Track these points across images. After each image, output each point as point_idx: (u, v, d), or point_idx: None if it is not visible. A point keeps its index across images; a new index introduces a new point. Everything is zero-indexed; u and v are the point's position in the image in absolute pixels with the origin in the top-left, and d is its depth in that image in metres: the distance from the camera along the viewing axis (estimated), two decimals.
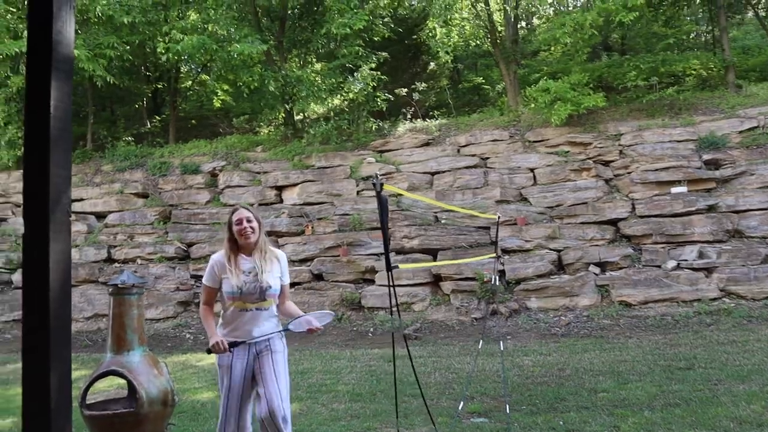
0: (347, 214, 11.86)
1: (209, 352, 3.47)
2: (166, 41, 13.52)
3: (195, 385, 7.21)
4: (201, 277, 11.93)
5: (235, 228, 3.64)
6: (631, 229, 10.47)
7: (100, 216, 13.37)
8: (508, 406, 5.10)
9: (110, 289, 4.51)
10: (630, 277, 9.81)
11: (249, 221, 3.64)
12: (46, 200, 1.71)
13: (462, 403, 5.47)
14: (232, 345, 3.50)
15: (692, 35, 17.69)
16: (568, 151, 11.83)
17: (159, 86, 18.35)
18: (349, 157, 12.85)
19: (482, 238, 11.00)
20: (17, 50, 12.76)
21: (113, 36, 13.93)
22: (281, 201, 12.85)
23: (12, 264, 12.68)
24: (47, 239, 1.72)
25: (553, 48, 16.57)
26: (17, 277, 12.57)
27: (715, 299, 9.39)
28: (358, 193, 12.39)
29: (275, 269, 3.69)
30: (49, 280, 1.80)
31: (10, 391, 7.29)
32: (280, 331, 3.70)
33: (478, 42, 16.29)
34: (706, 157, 10.91)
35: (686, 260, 9.87)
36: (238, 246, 3.68)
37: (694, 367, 6.45)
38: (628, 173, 11.16)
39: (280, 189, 12.92)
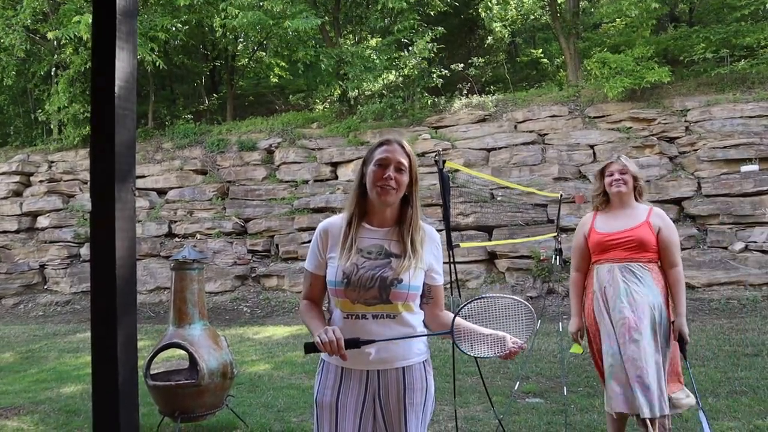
0: None
1: (310, 350, 2.06)
2: (222, 18, 13.68)
3: (252, 357, 7.40)
4: (257, 252, 12.31)
5: (371, 169, 2.18)
6: (696, 208, 10.07)
7: (161, 192, 13.77)
8: (565, 387, 5.02)
9: (172, 264, 4.64)
10: (694, 259, 9.46)
11: (399, 168, 2.17)
12: (112, 179, 1.75)
13: (518, 382, 5.41)
14: (353, 344, 2.03)
15: None
16: (630, 128, 11.43)
17: (217, 64, 18.67)
18: (405, 133, 12.78)
19: (539, 215, 10.80)
20: (77, 33, 13.06)
21: (168, 18, 14.16)
22: (336, 177, 12.92)
23: (80, 238, 13.24)
24: (113, 217, 1.76)
25: (618, 21, 15.93)
26: (85, 251, 13.13)
27: None
28: None
29: (423, 257, 2.20)
30: (115, 255, 1.85)
31: (80, 360, 7.66)
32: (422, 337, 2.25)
33: (536, 15, 15.82)
34: None
35: (755, 242, 9.43)
36: (366, 206, 2.24)
37: (762, 354, 6.19)
38: (695, 150, 10.71)
39: (335, 165, 12.99)
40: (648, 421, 3.29)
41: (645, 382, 3.28)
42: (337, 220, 2.27)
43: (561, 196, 6.67)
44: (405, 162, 2.18)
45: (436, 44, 13.15)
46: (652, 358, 3.33)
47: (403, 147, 2.22)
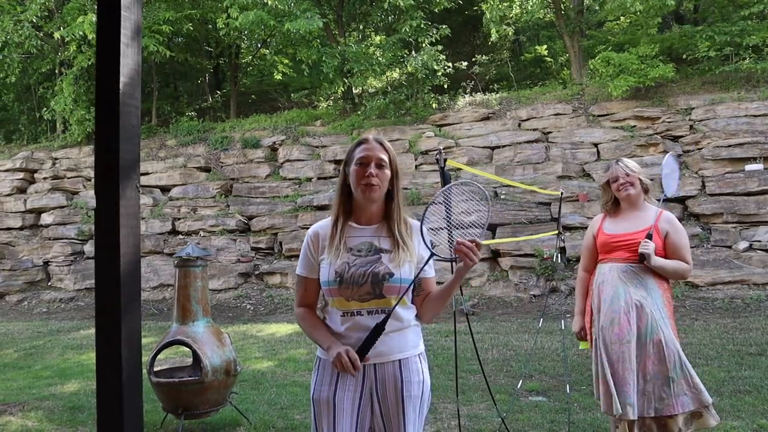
0: (405, 189, 11.82)
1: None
2: (225, 17, 13.67)
3: (255, 354, 7.41)
4: (261, 249, 12.32)
5: (353, 169, 2.22)
6: (700, 207, 10.04)
7: (165, 189, 13.79)
8: (568, 385, 5.01)
9: (176, 261, 4.64)
10: (698, 258, 9.42)
11: (380, 165, 2.19)
12: (116, 176, 1.75)
13: (521, 381, 5.41)
14: (365, 350, 2.09)
15: None
16: (634, 126, 11.40)
17: (220, 62, 18.67)
18: (408, 131, 12.78)
19: (542, 214, 10.78)
20: (82, 32, 13.06)
21: (171, 11, 14.16)
22: None
23: (83, 235, 13.27)
24: (117, 214, 1.77)
25: (623, 19, 15.87)
26: (89, 248, 13.16)
27: None
28: (416, 167, 12.33)
29: (413, 249, 2.22)
30: (119, 252, 1.85)
31: (83, 356, 7.68)
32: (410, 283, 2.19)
33: (540, 14, 15.77)
34: None
35: (759, 241, 9.40)
36: (351, 205, 2.27)
37: (766, 353, 6.17)
38: (699, 149, 10.68)
39: (338, 163, 12.98)
40: (624, 421, 3.30)
41: (627, 383, 3.28)
42: (326, 223, 2.30)
43: (561, 194, 6.66)
44: (385, 158, 2.21)
45: (440, 47, 13.09)
46: (640, 362, 3.31)
47: (381, 143, 2.26)
